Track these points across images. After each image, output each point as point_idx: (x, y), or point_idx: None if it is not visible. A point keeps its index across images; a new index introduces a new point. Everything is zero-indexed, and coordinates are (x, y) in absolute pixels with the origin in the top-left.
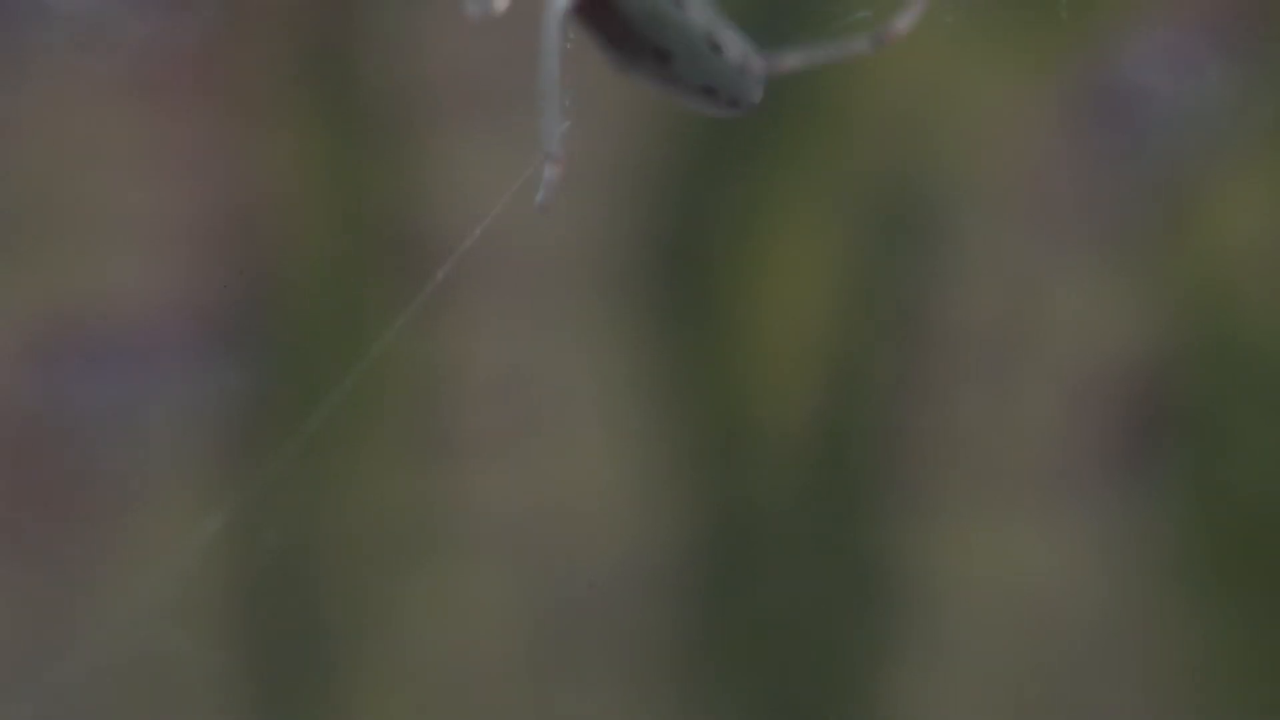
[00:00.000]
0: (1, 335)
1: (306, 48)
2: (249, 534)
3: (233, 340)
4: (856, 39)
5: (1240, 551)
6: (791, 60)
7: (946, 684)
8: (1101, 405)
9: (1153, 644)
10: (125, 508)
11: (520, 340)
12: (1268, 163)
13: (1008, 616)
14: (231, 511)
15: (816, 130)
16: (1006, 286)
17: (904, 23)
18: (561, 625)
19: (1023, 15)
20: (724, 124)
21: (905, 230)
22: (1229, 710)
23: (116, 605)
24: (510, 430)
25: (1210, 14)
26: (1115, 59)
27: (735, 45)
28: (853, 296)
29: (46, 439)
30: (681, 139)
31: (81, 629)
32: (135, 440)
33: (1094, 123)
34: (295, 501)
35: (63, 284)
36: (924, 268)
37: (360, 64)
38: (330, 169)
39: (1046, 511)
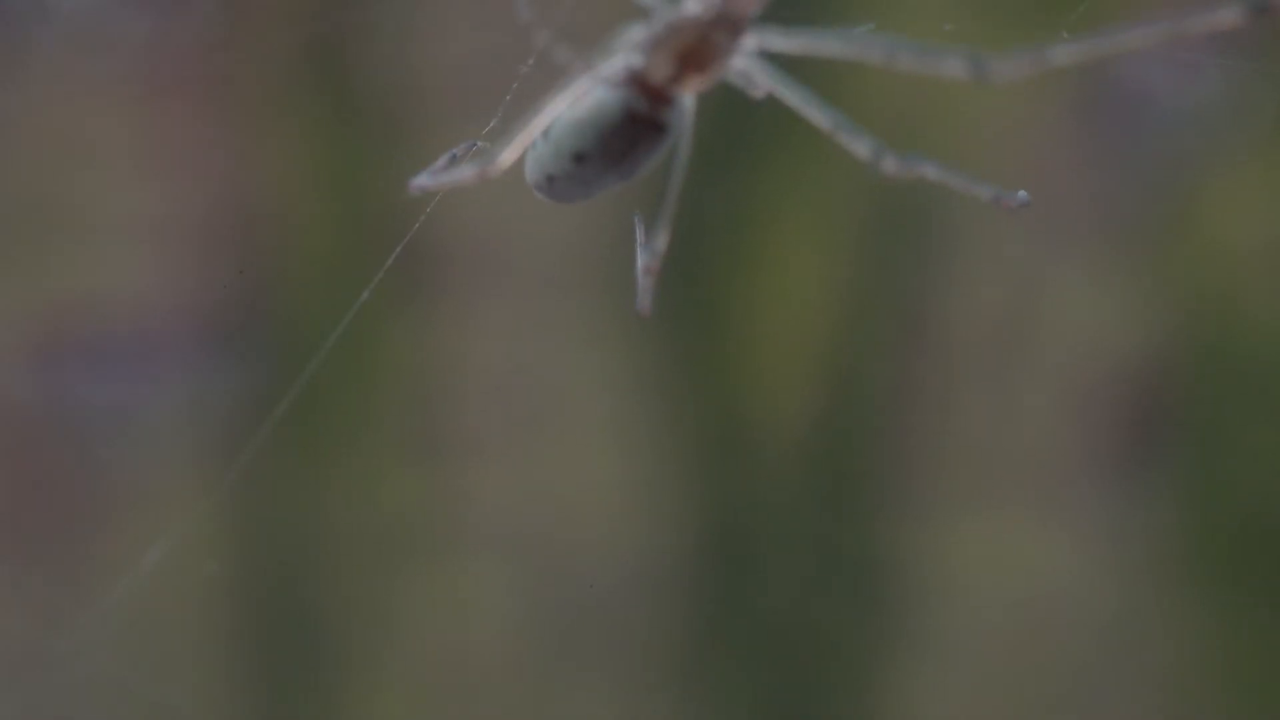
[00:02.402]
0: (1, 335)
1: (305, 48)
2: (248, 532)
3: (232, 340)
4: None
5: (1240, 551)
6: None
7: (947, 683)
8: (1101, 405)
9: (1152, 643)
10: (124, 505)
11: (520, 340)
12: (1268, 163)
13: (1008, 616)
14: (230, 510)
15: (816, 131)
16: (1007, 287)
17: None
18: (561, 625)
19: (1022, 16)
20: (724, 125)
21: (905, 231)
22: (1227, 709)
23: (115, 602)
24: (510, 430)
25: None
26: (1116, 60)
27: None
28: (853, 297)
29: (46, 438)
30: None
31: (80, 626)
32: (135, 439)
33: (1094, 124)
34: (296, 500)
35: (62, 284)
36: (924, 268)
37: (359, 64)
38: (330, 169)
39: (1046, 511)
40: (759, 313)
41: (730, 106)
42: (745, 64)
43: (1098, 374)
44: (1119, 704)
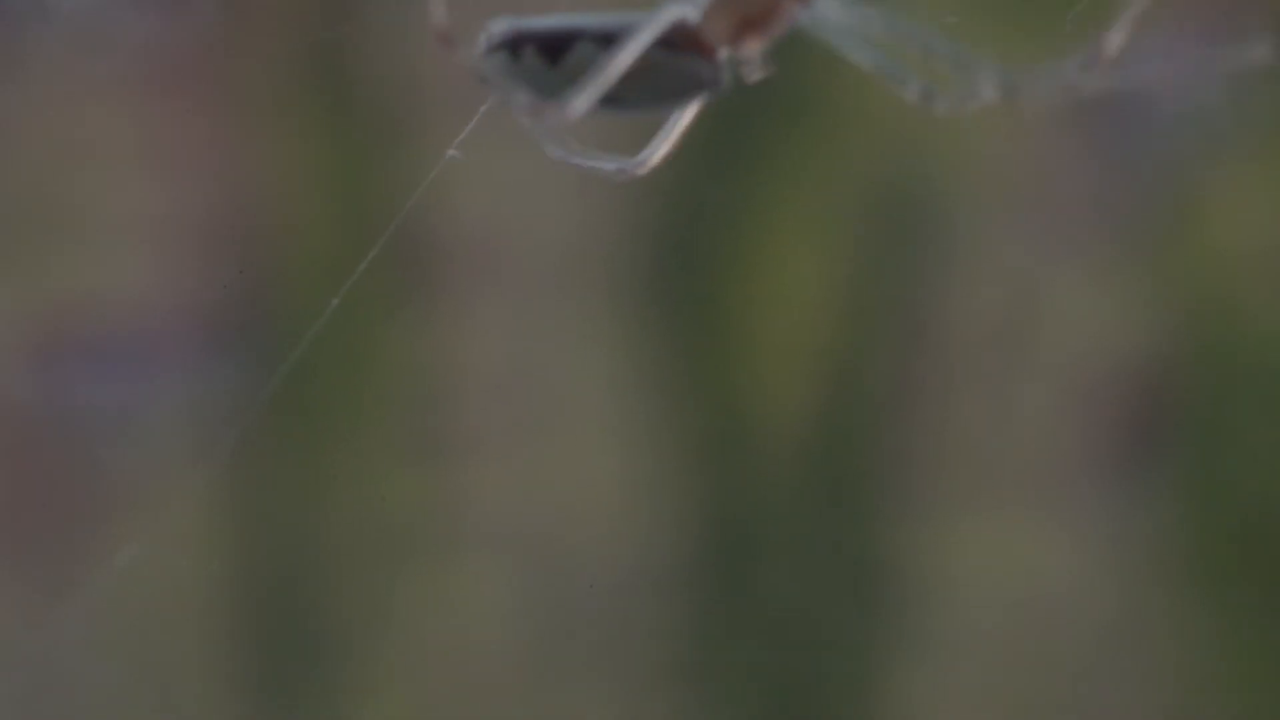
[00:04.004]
0: (1, 335)
1: (306, 48)
2: (248, 532)
3: (233, 339)
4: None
5: (1240, 551)
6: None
7: (946, 683)
8: (1101, 406)
9: (1152, 642)
10: (124, 505)
11: (520, 340)
12: (1268, 164)
13: (1008, 616)
14: (231, 509)
15: (816, 130)
16: (1006, 287)
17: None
18: (561, 624)
19: (1022, 16)
20: (724, 125)
21: (905, 230)
22: (1227, 709)
23: (114, 603)
24: (510, 430)
25: (1211, 14)
26: (1116, 60)
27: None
28: (853, 297)
29: (46, 438)
30: (681, 139)
31: (79, 626)
32: (135, 439)
33: (1094, 124)
34: (296, 500)
35: (62, 284)
36: (924, 268)
37: (359, 64)
38: (330, 169)
39: (1046, 511)
40: (759, 312)
41: (730, 106)
42: None
43: (1098, 374)
44: (1119, 704)
